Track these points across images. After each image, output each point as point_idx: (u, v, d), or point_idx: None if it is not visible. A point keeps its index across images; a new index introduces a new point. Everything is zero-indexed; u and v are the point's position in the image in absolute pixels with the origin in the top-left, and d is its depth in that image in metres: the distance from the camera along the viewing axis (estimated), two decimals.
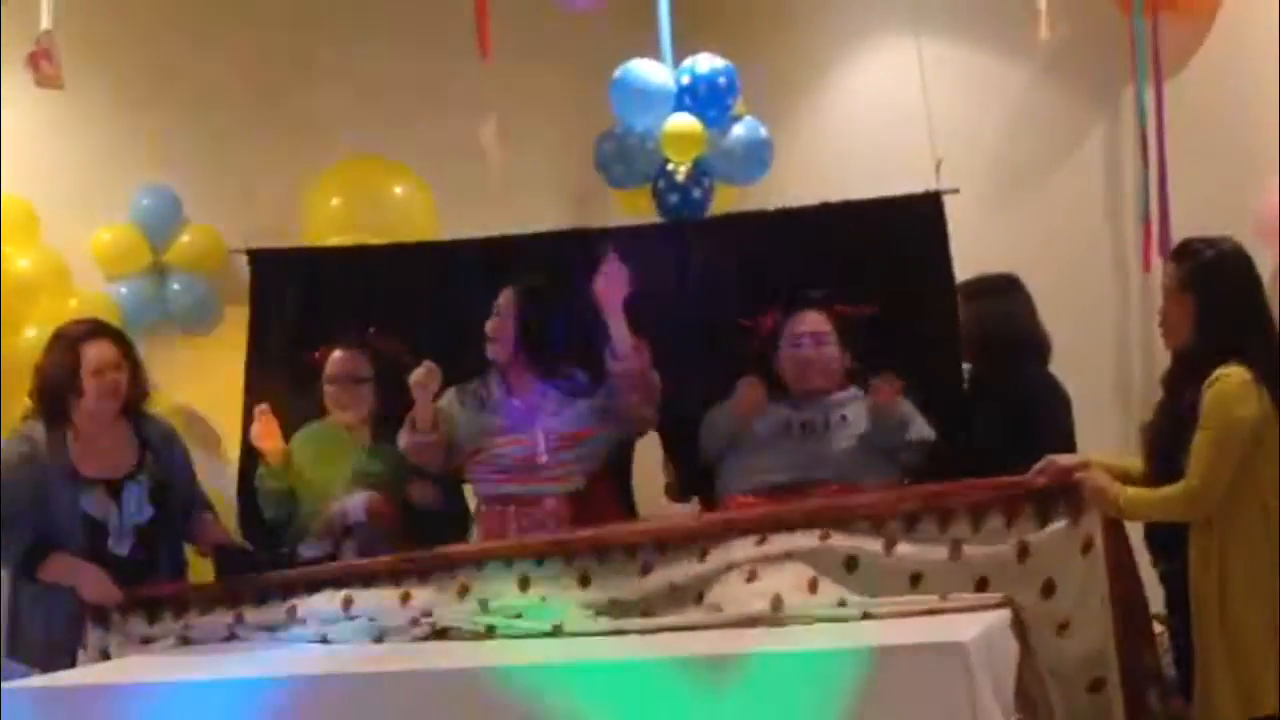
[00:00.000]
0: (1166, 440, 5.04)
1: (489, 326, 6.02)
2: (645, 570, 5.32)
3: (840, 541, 5.14)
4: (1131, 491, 5.01)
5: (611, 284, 5.77)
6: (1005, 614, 4.90)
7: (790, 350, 5.99)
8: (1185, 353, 5.11)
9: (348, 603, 5.50)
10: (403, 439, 6.00)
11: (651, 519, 5.78)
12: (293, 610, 5.54)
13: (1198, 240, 5.23)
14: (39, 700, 4.84)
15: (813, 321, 5.99)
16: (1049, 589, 4.96)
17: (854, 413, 5.90)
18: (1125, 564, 5.11)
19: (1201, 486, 4.87)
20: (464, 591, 5.44)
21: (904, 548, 5.11)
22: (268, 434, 6.14)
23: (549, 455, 5.90)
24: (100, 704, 4.79)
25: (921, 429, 5.84)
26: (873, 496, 5.44)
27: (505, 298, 6.02)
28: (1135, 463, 5.24)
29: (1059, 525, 5.01)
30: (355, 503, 6.08)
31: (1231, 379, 4.89)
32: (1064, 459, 5.14)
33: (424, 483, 6.09)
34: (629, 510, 6.19)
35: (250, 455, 6.29)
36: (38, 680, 5.18)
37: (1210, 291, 5.05)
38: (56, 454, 5.83)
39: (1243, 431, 4.86)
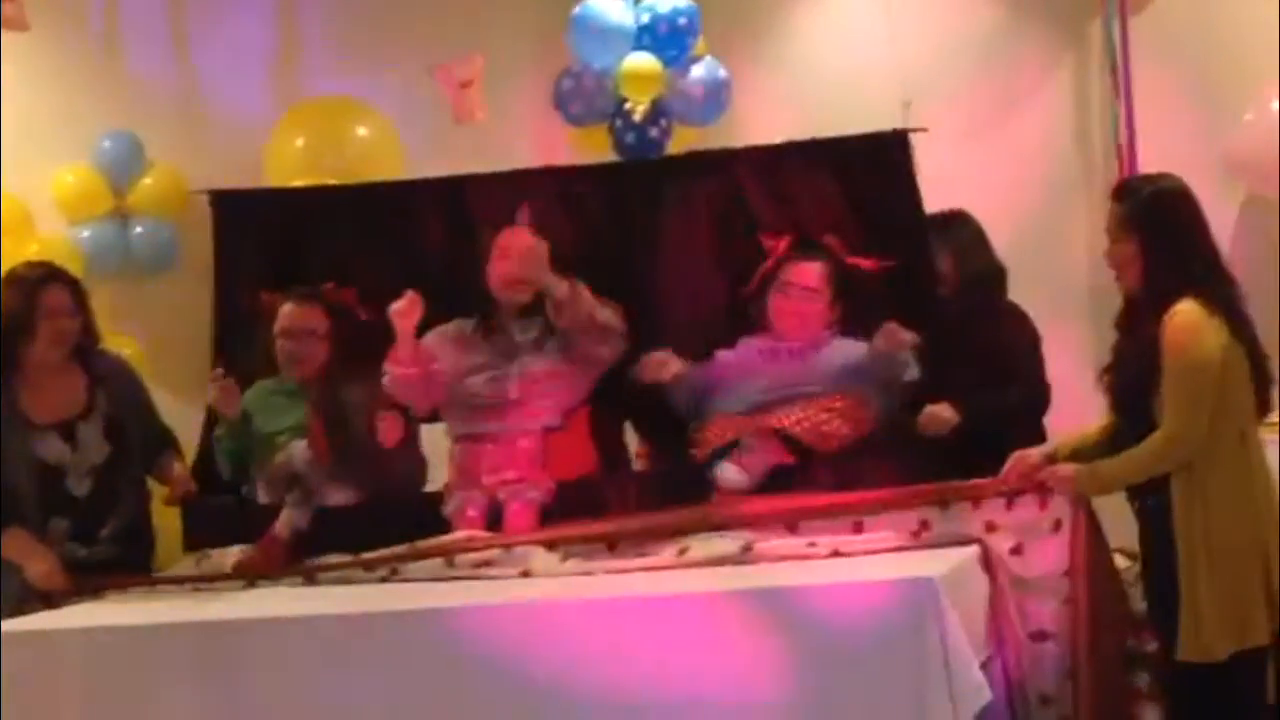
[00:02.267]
0: (1131, 384, 5.05)
1: (510, 267, 5.97)
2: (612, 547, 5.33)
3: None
4: (1107, 463, 5.02)
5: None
6: (975, 550, 4.96)
7: (778, 296, 5.95)
8: (1137, 292, 5.10)
9: (310, 578, 5.51)
10: (385, 376, 5.92)
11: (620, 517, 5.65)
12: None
13: (1136, 179, 5.23)
14: (32, 641, 4.86)
15: (807, 274, 5.94)
16: (1017, 550, 5.05)
17: (836, 351, 5.88)
18: (1097, 543, 5.13)
19: (1181, 430, 4.87)
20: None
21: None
22: (225, 398, 6.05)
23: (521, 390, 5.89)
24: (71, 648, 4.79)
25: (913, 370, 5.81)
26: (837, 498, 5.39)
27: (523, 240, 6.01)
28: (1093, 428, 5.27)
29: (1027, 511, 5.10)
30: (298, 451, 6.00)
31: (1185, 316, 4.88)
32: (1031, 457, 5.20)
33: (393, 418, 5.91)
34: (605, 449, 6.11)
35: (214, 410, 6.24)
36: (31, 621, 5.18)
37: (1153, 229, 5.02)
38: (4, 402, 5.82)
39: (1208, 366, 4.86)
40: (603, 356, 5.98)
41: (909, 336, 5.68)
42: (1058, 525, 5.05)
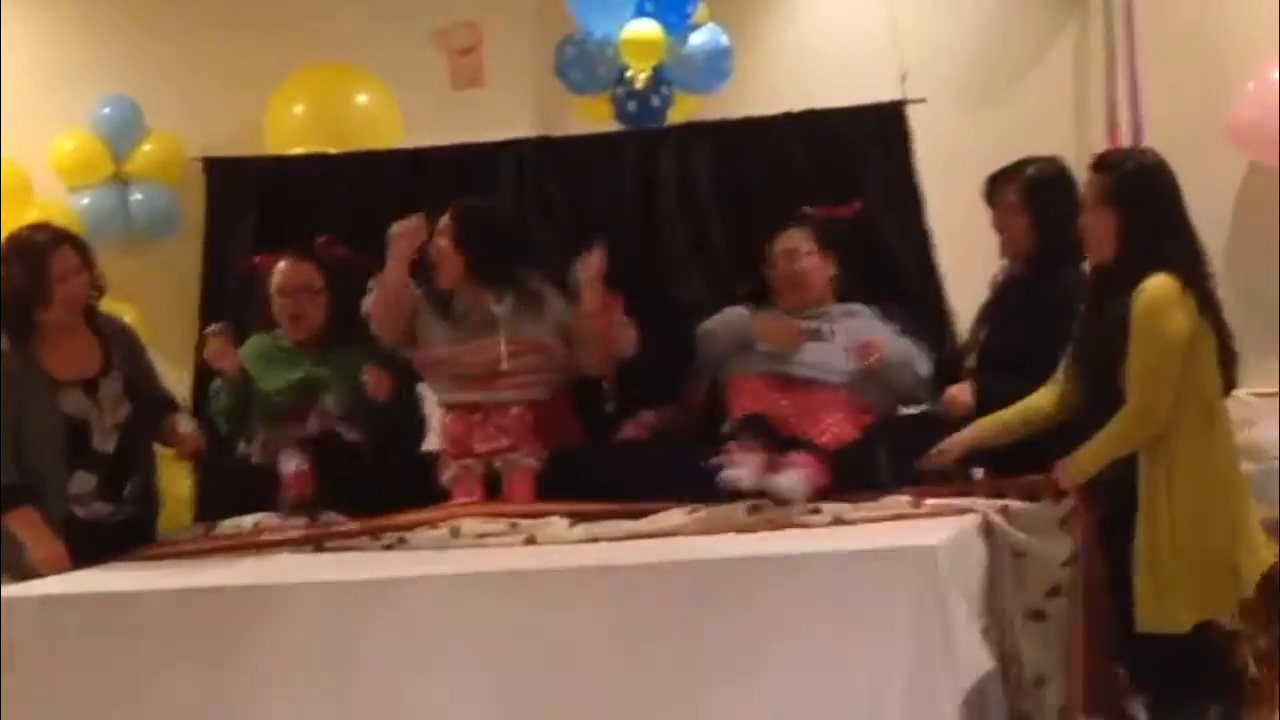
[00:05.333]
0: (1101, 357, 5.03)
1: (431, 250, 5.91)
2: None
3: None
4: (1084, 449, 5.00)
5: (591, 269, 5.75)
6: (976, 519, 4.96)
7: (771, 270, 5.94)
8: (1110, 265, 5.08)
9: (319, 546, 5.50)
10: (366, 301, 5.92)
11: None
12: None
13: (1117, 151, 5.21)
14: (33, 607, 4.85)
15: (790, 239, 5.90)
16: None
17: (844, 328, 5.77)
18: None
19: (1146, 405, 4.88)
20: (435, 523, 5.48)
21: None
22: (222, 354, 6.03)
23: (510, 361, 5.85)
24: (72, 614, 4.79)
25: (919, 370, 5.74)
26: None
27: (444, 221, 5.92)
28: (1027, 405, 5.29)
29: (1041, 502, 5.11)
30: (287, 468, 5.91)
31: (1158, 289, 4.88)
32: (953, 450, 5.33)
33: (379, 374, 5.92)
34: (592, 420, 6.10)
35: (203, 370, 6.23)
36: (32, 587, 5.18)
37: (1135, 202, 5.02)
38: (26, 361, 5.79)
39: (1176, 342, 4.87)
40: (596, 369, 5.97)
41: (869, 352, 5.65)
42: (1065, 521, 5.05)
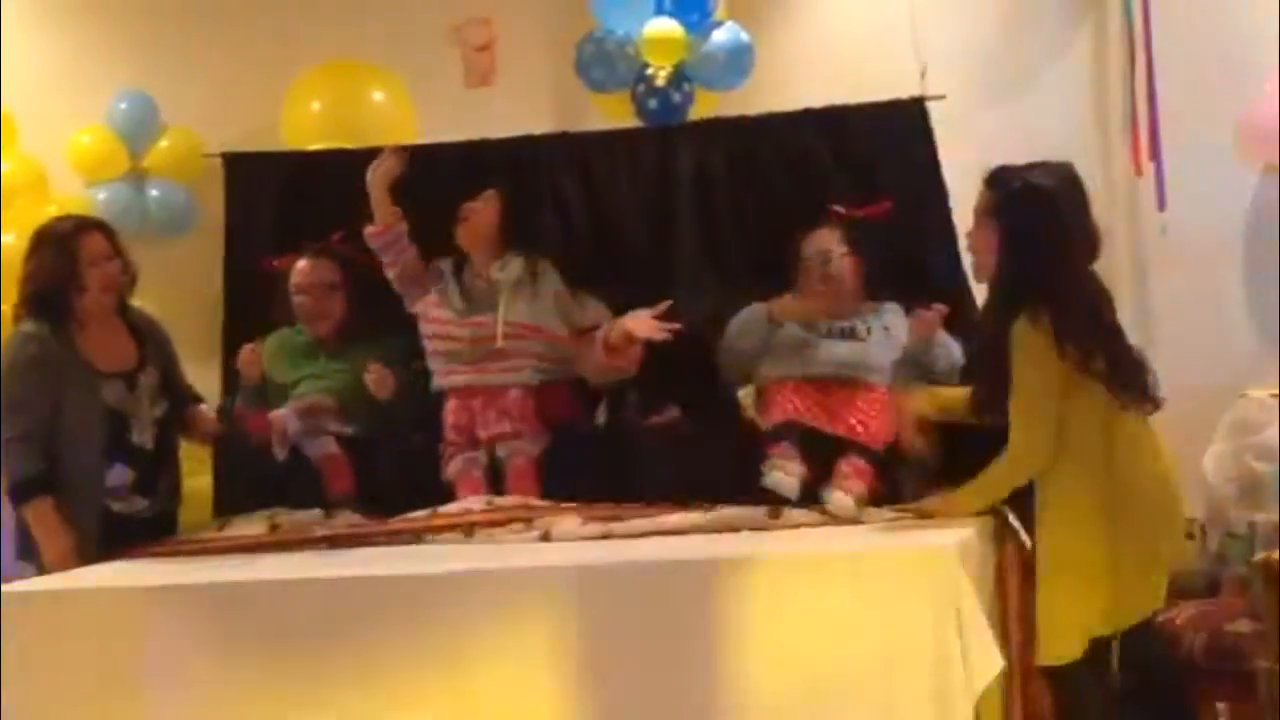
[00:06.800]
0: (990, 387, 5.01)
1: (468, 206, 6.01)
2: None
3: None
4: (961, 490, 5.01)
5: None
6: (989, 520, 4.97)
7: (801, 272, 5.88)
8: (993, 284, 5.07)
9: (336, 544, 5.52)
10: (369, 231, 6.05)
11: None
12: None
13: (1010, 168, 5.10)
14: (36, 602, 4.86)
15: (822, 240, 5.88)
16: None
17: (888, 323, 5.79)
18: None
19: (1023, 448, 4.85)
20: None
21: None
22: (250, 363, 6.15)
23: (505, 342, 5.88)
24: (94, 607, 4.81)
25: (954, 355, 5.74)
26: None
27: (492, 193, 6.03)
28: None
29: None
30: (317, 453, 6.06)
31: (1021, 331, 4.83)
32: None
33: (383, 372, 5.99)
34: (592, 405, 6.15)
35: (232, 372, 6.32)
36: (34, 582, 5.19)
37: (1013, 222, 4.98)
38: (68, 349, 5.84)
39: (1045, 383, 4.81)
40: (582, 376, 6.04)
41: (935, 316, 5.64)
42: None
